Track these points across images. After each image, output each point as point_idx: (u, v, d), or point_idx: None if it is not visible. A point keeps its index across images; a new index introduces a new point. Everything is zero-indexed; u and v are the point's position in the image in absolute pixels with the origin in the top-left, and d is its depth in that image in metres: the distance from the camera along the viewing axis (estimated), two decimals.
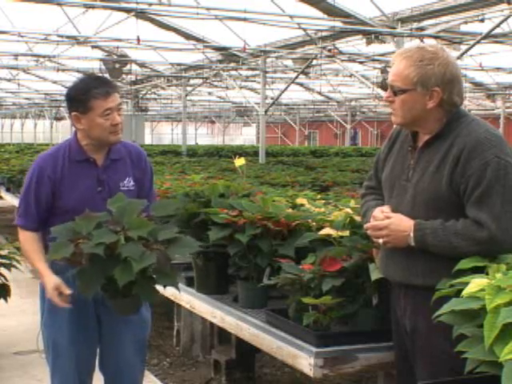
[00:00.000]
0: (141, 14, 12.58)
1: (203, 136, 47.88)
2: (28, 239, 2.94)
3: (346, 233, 3.15)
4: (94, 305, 2.94)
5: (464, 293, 1.87)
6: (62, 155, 2.95)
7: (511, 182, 2.34)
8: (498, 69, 19.09)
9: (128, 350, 3.03)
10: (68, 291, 2.75)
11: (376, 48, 14.37)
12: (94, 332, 2.99)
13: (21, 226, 2.96)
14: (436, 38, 13.14)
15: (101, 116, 2.85)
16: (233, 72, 20.02)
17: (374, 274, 2.73)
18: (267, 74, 17.90)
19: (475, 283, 1.87)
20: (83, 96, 2.85)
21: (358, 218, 3.29)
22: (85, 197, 2.89)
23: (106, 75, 16.11)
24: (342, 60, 15.56)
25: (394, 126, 2.66)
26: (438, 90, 2.40)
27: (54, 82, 24.62)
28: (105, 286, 2.54)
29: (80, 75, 21.17)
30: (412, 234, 2.41)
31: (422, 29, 12.71)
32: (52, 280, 2.80)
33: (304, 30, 13.40)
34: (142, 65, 19.76)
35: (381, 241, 2.51)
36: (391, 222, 2.47)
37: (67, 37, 14.66)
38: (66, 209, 2.88)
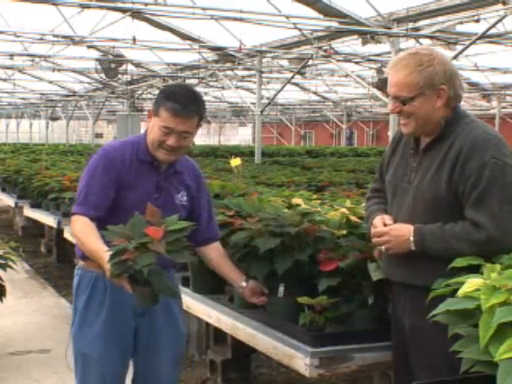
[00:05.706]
0: (136, 14, 12.57)
1: (199, 136, 47.51)
2: (87, 223, 2.68)
3: (342, 232, 3.16)
4: (133, 316, 2.80)
5: (459, 293, 1.87)
6: (130, 151, 2.80)
7: (509, 183, 2.36)
8: (494, 69, 19.12)
9: (165, 364, 2.90)
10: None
11: (372, 48, 14.39)
12: (129, 345, 2.84)
13: (80, 213, 2.71)
14: (431, 38, 13.15)
15: (159, 128, 2.73)
16: (228, 72, 19.99)
17: (376, 275, 2.74)
18: (263, 74, 17.87)
19: (470, 283, 1.87)
20: (160, 99, 2.75)
21: (353, 218, 3.31)
22: (142, 199, 2.68)
23: (102, 75, 16.10)
24: (338, 60, 15.56)
25: (397, 129, 2.68)
26: (444, 88, 2.46)
27: (50, 82, 24.58)
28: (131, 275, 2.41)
29: (75, 74, 20.90)
30: (412, 239, 2.44)
31: (417, 29, 12.72)
32: None
33: (300, 30, 13.41)
34: (137, 65, 19.74)
35: (383, 247, 2.54)
36: (392, 227, 2.51)
37: (63, 37, 14.63)
38: (124, 207, 2.70)
